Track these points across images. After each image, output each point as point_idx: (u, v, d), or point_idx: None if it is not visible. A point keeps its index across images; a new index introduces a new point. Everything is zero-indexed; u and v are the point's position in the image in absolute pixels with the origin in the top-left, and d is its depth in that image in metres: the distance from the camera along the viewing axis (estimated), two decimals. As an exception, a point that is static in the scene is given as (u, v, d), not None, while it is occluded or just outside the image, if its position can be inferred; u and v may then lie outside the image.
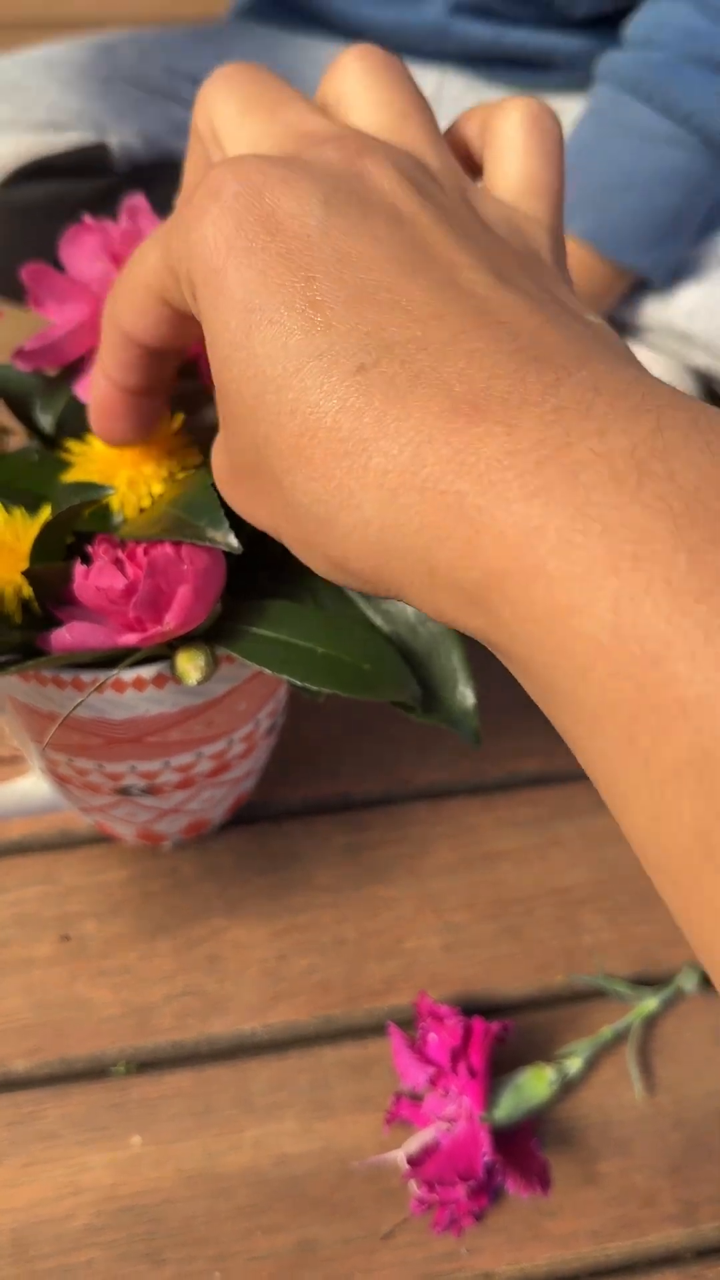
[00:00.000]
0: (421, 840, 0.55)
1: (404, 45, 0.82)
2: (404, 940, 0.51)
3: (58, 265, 0.42)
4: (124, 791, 0.46)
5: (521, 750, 0.59)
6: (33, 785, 0.50)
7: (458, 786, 0.57)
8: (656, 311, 0.76)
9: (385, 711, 0.58)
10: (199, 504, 0.36)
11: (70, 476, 0.39)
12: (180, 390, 0.43)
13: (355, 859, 0.54)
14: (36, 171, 0.75)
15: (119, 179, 0.77)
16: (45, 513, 0.39)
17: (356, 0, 0.82)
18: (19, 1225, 0.43)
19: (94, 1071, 0.47)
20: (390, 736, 0.59)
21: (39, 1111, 0.46)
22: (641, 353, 0.78)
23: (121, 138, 0.77)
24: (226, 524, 0.35)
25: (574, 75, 0.81)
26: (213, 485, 0.37)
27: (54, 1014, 0.48)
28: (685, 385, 0.76)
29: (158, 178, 0.76)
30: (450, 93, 0.84)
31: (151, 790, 0.46)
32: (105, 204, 0.69)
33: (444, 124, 0.77)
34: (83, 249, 0.41)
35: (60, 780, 0.46)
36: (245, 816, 0.56)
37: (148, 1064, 0.47)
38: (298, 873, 0.54)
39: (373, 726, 0.60)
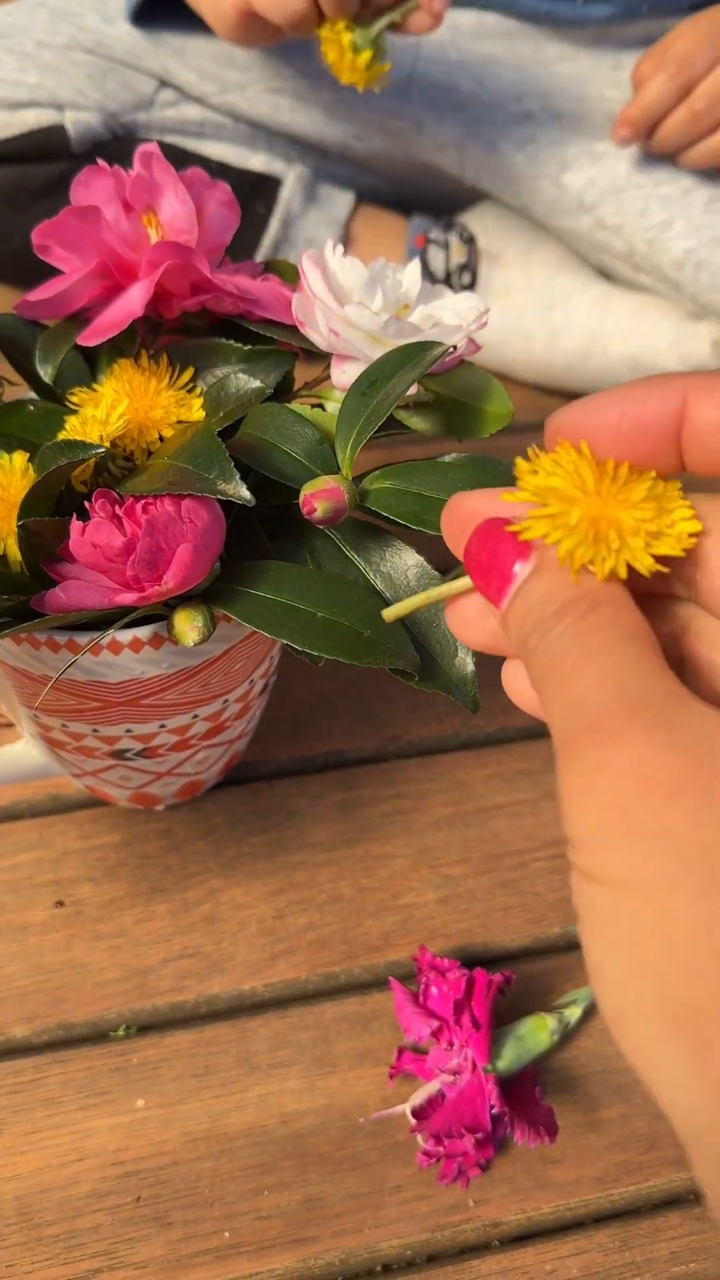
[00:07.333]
0: (415, 796, 0.55)
1: None
2: (400, 896, 0.51)
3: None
4: (119, 755, 0.45)
5: (512, 705, 0.58)
6: (23, 751, 0.49)
7: (449, 742, 0.57)
8: (647, 255, 0.75)
9: (377, 670, 0.58)
10: (206, 455, 0.35)
11: (74, 422, 0.37)
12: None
13: (349, 816, 0.54)
14: None
15: (77, 160, 0.73)
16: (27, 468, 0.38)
17: None
18: (24, 1193, 0.42)
19: (94, 1036, 0.47)
20: (382, 694, 0.59)
21: (40, 1078, 0.45)
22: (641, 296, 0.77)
23: (79, 116, 0.73)
24: (237, 475, 0.34)
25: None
26: (218, 435, 0.36)
27: (52, 979, 0.48)
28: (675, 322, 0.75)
29: (119, 157, 0.71)
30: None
31: (146, 753, 0.45)
32: (62, 188, 0.64)
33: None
34: (94, 193, 0.39)
35: (53, 745, 0.45)
36: (237, 776, 0.55)
37: (148, 1026, 0.47)
38: (292, 831, 0.53)
39: (364, 684, 0.59)
